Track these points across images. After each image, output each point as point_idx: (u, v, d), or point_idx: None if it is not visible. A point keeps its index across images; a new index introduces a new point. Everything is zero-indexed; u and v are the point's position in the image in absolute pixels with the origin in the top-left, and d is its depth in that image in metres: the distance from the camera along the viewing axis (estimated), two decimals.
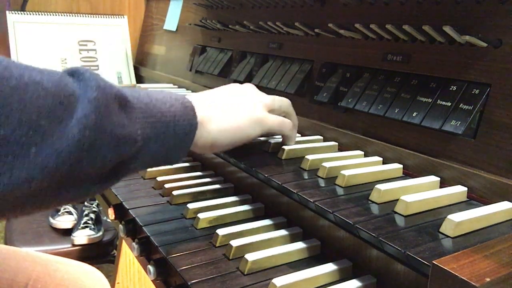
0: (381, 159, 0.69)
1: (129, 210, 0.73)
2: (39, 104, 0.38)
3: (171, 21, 1.56)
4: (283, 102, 0.70)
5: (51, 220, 1.84)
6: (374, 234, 0.46)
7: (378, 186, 0.55)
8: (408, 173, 0.65)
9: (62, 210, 1.86)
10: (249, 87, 0.68)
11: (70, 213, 1.86)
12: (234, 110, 0.61)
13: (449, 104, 0.61)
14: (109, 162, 0.44)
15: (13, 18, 1.61)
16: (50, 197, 0.42)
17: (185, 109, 0.53)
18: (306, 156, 0.67)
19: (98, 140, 0.42)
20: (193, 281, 0.53)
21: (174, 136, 0.51)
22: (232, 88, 0.66)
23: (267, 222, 0.67)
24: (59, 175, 0.40)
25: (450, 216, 0.47)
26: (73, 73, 0.44)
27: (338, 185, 0.60)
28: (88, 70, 0.44)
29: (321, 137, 0.81)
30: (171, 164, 0.55)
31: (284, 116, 0.71)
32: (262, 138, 0.76)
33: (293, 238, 0.64)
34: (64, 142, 0.39)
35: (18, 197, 0.38)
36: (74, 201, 0.45)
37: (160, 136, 0.50)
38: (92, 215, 1.84)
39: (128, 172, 0.49)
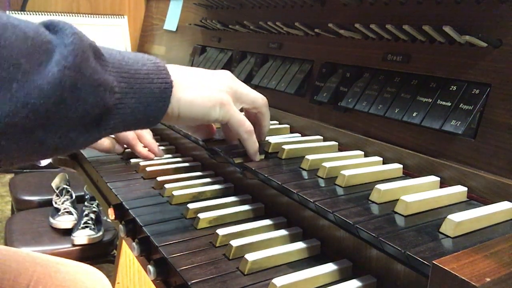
0: (381, 159, 0.69)
1: (129, 210, 0.73)
2: (18, 45, 0.39)
3: (171, 21, 1.56)
4: (258, 99, 0.69)
5: (51, 220, 1.84)
6: (374, 234, 0.46)
7: (378, 186, 0.55)
8: (408, 173, 0.65)
9: (62, 210, 1.86)
10: (229, 75, 0.68)
11: (70, 213, 1.86)
12: (205, 86, 0.62)
13: (449, 104, 0.61)
14: (90, 107, 0.45)
15: None
16: (32, 137, 0.42)
17: (158, 68, 0.54)
18: (306, 156, 0.67)
19: (78, 81, 0.43)
20: (193, 281, 0.53)
21: (150, 93, 0.52)
22: (210, 70, 0.67)
23: (267, 222, 0.67)
24: (42, 112, 0.41)
25: (450, 216, 0.47)
26: (48, 25, 0.45)
27: (338, 185, 0.60)
28: (62, 21, 0.45)
29: (321, 137, 0.81)
30: (152, 124, 0.55)
31: (256, 114, 0.70)
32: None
33: (293, 238, 0.64)
34: (45, 80, 0.40)
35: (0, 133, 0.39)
36: (56, 150, 0.45)
37: (137, 91, 0.50)
38: (92, 215, 1.84)
39: (109, 127, 0.49)
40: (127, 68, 0.50)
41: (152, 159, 0.92)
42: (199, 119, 0.61)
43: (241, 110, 0.68)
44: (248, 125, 0.66)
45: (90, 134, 0.47)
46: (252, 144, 0.68)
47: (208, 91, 0.62)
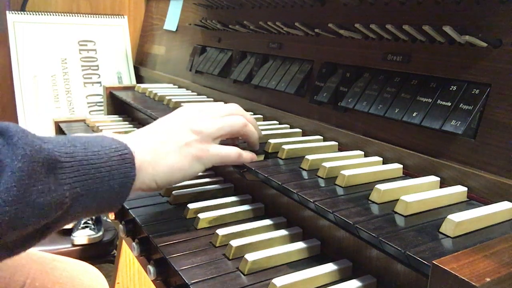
0: (381, 159, 0.69)
1: (129, 210, 0.73)
2: None
3: (171, 21, 1.56)
4: (234, 124, 0.66)
5: None
6: (374, 234, 0.46)
7: (378, 186, 0.55)
8: (408, 173, 0.65)
9: None
10: (189, 115, 0.64)
11: None
12: (173, 151, 0.60)
13: (449, 104, 0.61)
14: (32, 228, 0.46)
15: (13, 18, 1.61)
16: None
17: (123, 161, 0.53)
18: (306, 156, 0.67)
19: (19, 213, 0.43)
20: (193, 281, 0.53)
21: (109, 190, 0.51)
22: (169, 122, 0.64)
23: (267, 222, 0.67)
24: None
25: (450, 216, 0.47)
26: (3, 133, 0.44)
27: (338, 185, 0.60)
28: (19, 131, 0.44)
29: (321, 137, 0.81)
30: (109, 211, 0.55)
31: (243, 135, 0.68)
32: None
33: (293, 238, 0.64)
34: None
35: None
36: (5, 257, 0.47)
37: (92, 192, 0.50)
38: None
39: (55, 230, 0.50)
40: (88, 169, 0.49)
41: None
42: (179, 180, 0.61)
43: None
44: (233, 155, 0.65)
45: (32, 243, 0.48)
46: (247, 160, 0.67)
47: (178, 156, 0.60)
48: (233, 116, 0.66)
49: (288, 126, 0.89)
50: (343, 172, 0.60)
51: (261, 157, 0.71)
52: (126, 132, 0.95)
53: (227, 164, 0.67)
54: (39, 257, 0.90)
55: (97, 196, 0.51)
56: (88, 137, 0.52)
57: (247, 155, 0.68)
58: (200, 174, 0.88)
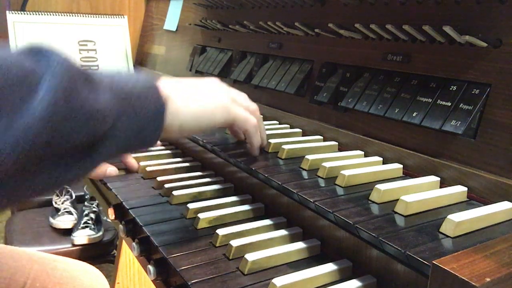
0: (381, 159, 0.69)
1: (129, 210, 0.73)
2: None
3: (171, 21, 1.56)
4: (251, 104, 0.70)
5: (51, 220, 1.84)
6: (374, 234, 0.46)
7: (378, 186, 0.55)
8: (408, 173, 0.65)
9: (62, 210, 1.86)
10: (218, 81, 0.68)
11: (70, 213, 1.86)
12: (202, 94, 0.61)
13: (449, 104, 0.61)
14: (81, 140, 0.42)
15: (13, 18, 1.61)
16: (21, 182, 0.40)
17: (149, 89, 0.52)
18: (306, 156, 0.67)
19: (67, 114, 0.40)
20: (193, 281, 0.53)
21: (143, 115, 0.49)
22: (199, 78, 0.67)
23: (267, 222, 0.67)
24: (32, 154, 0.38)
25: (450, 216, 0.47)
26: (33, 51, 0.42)
27: (338, 185, 0.60)
28: (48, 47, 0.42)
29: (321, 137, 0.81)
30: (148, 146, 0.53)
31: (248, 132, 0.69)
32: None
33: (293, 238, 0.64)
34: (32, 118, 0.37)
35: None
36: (47, 188, 0.43)
37: (129, 114, 0.48)
38: (92, 215, 1.84)
39: (102, 156, 0.46)
40: (118, 91, 0.47)
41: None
42: (203, 127, 0.61)
43: None
44: (253, 120, 0.67)
45: (82, 167, 0.45)
46: (257, 139, 0.69)
47: (206, 97, 0.61)
48: (250, 114, 0.68)
49: (288, 126, 0.89)
50: (343, 172, 0.60)
51: (257, 152, 0.71)
52: None
53: (244, 127, 0.67)
54: (40, 257, 0.90)
55: (134, 121, 0.48)
56: (107, 69, 0.51)
57: (259, 137, 0.70)
58: (200, 174, 0.88)
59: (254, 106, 0.70)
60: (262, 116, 0.96)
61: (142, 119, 0.49)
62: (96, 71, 0.49)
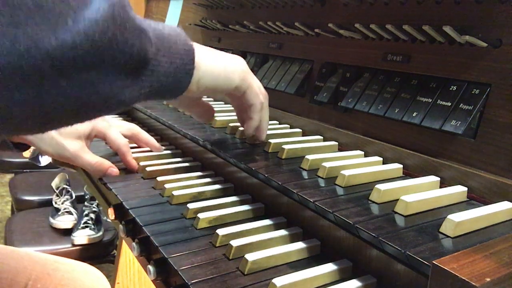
0: (381, 159, 0.69)
1: (129, 210, 0.73)
2: None
3: (171, 21, 1.56)
4: (263, 89, 0.71)
5: (51, 220, 1.84)
6: (374, 234, 0.46)
7: (378, 186, 0.55)
8: (408, 173, 0.65)
9: (62, 210, 1.86)
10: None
11: (70, 213, 1.86)
12: (225, 56, 0.63)
13: (449, 104, 0.61)
14: (135, 52, 0.45)
15: None
16: (89, 79, 0.41)
17: (178, 33, 0.54)
18: (306, 156, 0.67)
19: (126, 21, 0.43)
20: (193, 281, 0.53)
21: (177, 53, 0.52)
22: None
23: (267, 222, 0.67)
24: (100, 47, 0.40)
25: (450, 216, 0.47)
26: None
27: (338, 185, 0.60)
28: None
29: (321, 137, 0.81)
30: (178, 92, 0.55)
31: (251, 111, 0.71)
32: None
33: (293, 238, 0.64)
34: (98, 13, 0.39)
35: (60, 61, 0.38)
36: (105, 102, 0.44)
37: (167, 50, 0.50)
38: (92, 215, 1.84)
39: (147, 82, 0.48)
40: (155, 30, 0.50)
41: (137, 172, 0.91)
42: (219, 87, 0.62)
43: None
44: (263, 97, 0.68)
45: (133, 86, 0.47)
46: (264, 116, 0.70)
47: (227, 59, 0.63)
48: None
49: (288, 126, 0.89)
50: (343, 172, 0.60)
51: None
52: None
53: (248, 104, 0.68)
54: (41, 258, 0.90)
55: (171, 57, 0.51)
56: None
57: (266, 124, 0.72)
58: (200, 174, 0.88)
59: (265, 93, 0.71)
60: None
61: (177, 58, 0.52)
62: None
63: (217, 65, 0.60)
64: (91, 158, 0.83)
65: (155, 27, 0.50)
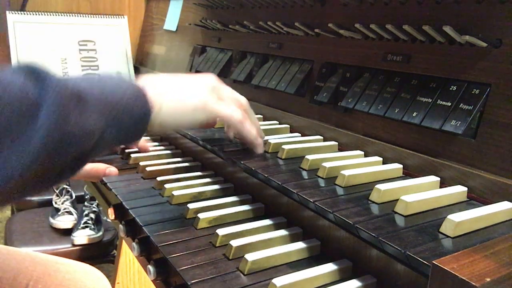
0: (381, 159, 0.69)
1: (129, 210, 0.73)
2: (1, 120, 0.41)
3: (171, 21, 1.56)
4: (241, 97, 0.71)
5: (51, 220, 1.84)
6: (374, 234, 0.46)
7: (378, 186, 0.55)
8: (408, 173, 0.65)
9: (62, 210, 1.86)
10: (211, 78, 0.70)
11: (70, 213, 1.86)
12: (183, 94, 0.64)
13: (449, 104, 0.61)
14: (71, 157, 0.48)
15: (13, 18, 1.61)
16: (22, 195, 0.47)
17: (138, 94, 0.56)
18: (306, 156, 0.67)
19: (60, 140, 0.45)
20: (193, 281, 0.53)
21: (130, 121, 0.54)
22: (188, 75, 0.69)
23: (267, 222, 0.67)
24: (31, 176, 0.44)
25: (450, 216, 0.47)
26: (31, 72, 0.46)
27: (338, 185, 0.60)
28: (43, 70, 0.46)
29: (321, 137, 0.81)
30: (131, 144, 0.59)
31: (238, 130, 0.71)
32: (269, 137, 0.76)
33: (293, 238, 0.64)
34: (32, 145, 0.43)
35: None
36: (38, 194, 0.51)
37: (117, 123, 0.53)
38: (92, 215, 1.84)
39: (89, 160, 0.53)
40: (108, 103, 0.52)
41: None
42: (184, 125, 0.65)
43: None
44: (237, 116, 0.68)
45: (70, 173, 0.51)
46: (248, 131, 0.69)
47: (188, 95, 0.64)
48: (234, 109, 0.68)
49: (288, 126, 0.89)
50: (343, 172, 0.60)
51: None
52: None
53: (229, 123, 0.69)
54: (42, 259, 0.90)
55: (121, 127, 0.53)
56: (100, 76, 0.55)
57: (251, 128, 0.70)
58: (200, 174, 0.88)
59: (242, 99, 0.72)
60: (261, 115, 0.97)
61: (128, 127, 0.55)
62: (89, 78, 0.54)
63: (177, 107, 0.62)
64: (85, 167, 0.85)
65: (108, 103, 0.52)
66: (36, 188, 0.48)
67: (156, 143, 1.07)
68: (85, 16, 1.74)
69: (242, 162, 0.69)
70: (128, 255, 1.53)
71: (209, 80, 0.69)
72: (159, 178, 0.84)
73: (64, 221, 1.83)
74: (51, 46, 1.66)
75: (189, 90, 0.65)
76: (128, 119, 0.54)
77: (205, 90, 0.66)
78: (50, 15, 1.68)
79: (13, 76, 0.44)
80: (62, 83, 0.46)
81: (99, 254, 1.82)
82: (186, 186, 0.81)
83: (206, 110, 0.65)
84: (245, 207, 0.72)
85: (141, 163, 0.92)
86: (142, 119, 0.56)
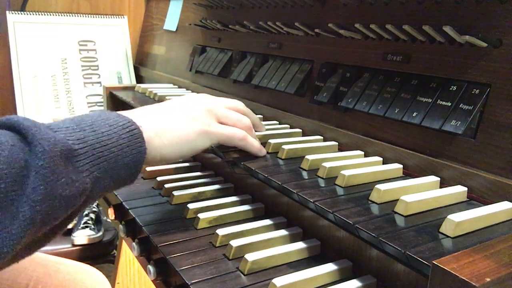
0: (381, 159, 0.69)
1: (129, 210, 0.73)
2: None
3: (171, 21, 1.56)
4: (241, 120, 0.69)
5: None
6: (374, 234, 0.46)
7: (378, 186, 0.55)
8: (408, 173, 0.65)
9: None
10: (202, 97, 0.69)
11: None
12: (180, 124, 0.62)
13: (449, 104, 0.61)
14: (62, 218, 0.47)
15: (13, 18, 1.61)
16: (10, 263, 0.46)
17: (133, 137, 0.53)
18: (306, 156, 0.67)
19: (49, 209, 0.43)
20: (193, 281, 0.53)
21: (124, 167, 0.52)
22: (180, 100, 0.67)
23: (267, 222, 0.67)
24: (16, 250, 0.42)
25: (450, 216, 0.47)
26: (18, 130, 0.44)
27: (338, 185, 0.60)
28: (31, 126, 0.44)
29: (321, 137, 0.81)
30: (126, 185, 0.56)
31: (242, 147, 0.70)
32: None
33: (293, 238, 0.64)
34: (16, 223, 0.41)
35: None
36: (34, 252, 0.50)
37: (109, 173, 0.51)
38: (92, 215, 1.84)
39: (80, 212, 0.51)
40: (101, 153, 0.50)
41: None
42: (186, 154, 0.63)
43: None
44: (238, 135, 0.67)
45: (62, 228, 0.50)
46: (251, 146, 0.69)
47: (186, 128, 0.62)
48: (234, 128, 0.67)
49: (288, 126, 0.89)
50: (343, 172, 0.60)
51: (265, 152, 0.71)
52: None
53: (235, 145, 0.68)
54: (43, 259, 0.90)
55: (114, 175, 0.52)
56: (92, 117, 0.52)
57: (254, 143, 0.69)
58: (200, 174, 0.88)
59: (239, 105, 0.71)
60: (261, 115, 0.97)
61: (121, 172, 0.53)
62: (82, 121, 0.51)
63: (176, 142, 0.60)
64: None
65: (101, 152, 0.50)
66: (29, 251, 0.48)
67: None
68: (85, 16, 1.74)
69: (242, 162, 0.69)
70: (128, 255, 1.53)
71: (203, 103, 0.67)
72: (159, 178, 0.84)
73: None
74: (51, 46, 1.66)
75: (187, 118, 0.63)
76: (122, 164, 0.52)
77: (203, 115, 0.65)
78: (50, 15, 1.68)
79: (2, 145, 0.41)
80: (51, 142, 0.44)
81: (99, 254, 1.82)
82: (186, 186, 0.81)
83: (206, 137, 0.63)
84: (245, 207, 0.72)
85: None
86: (136, 162, 0.54)
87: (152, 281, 0.64)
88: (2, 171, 0.40)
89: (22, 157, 0.42)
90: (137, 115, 0.57)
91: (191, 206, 0.71)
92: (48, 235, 0.48)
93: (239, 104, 0.72)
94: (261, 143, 0.72)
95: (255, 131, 0.74)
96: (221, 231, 0.63)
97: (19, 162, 0.41)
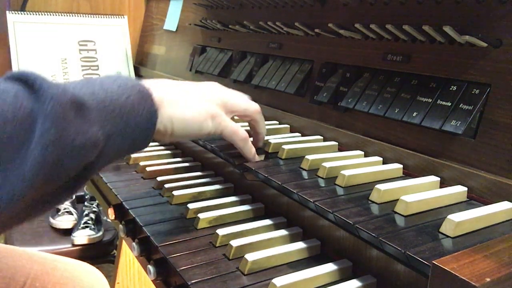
0: (381, 159, 0.69)
1: (129, 210, 0.73)
2: None
3: (171, 21, 1.56)
4: (250, 108, 0.69)
5: (51, 220, 1.84)
6: (374, 234, 0.46)
7: (378, 186, 0.55)
8: (408, 173, 0.65)
9: (62, 210, 1.86)
10: (217, 86, 0.68)
11: (70, 213, 1.86)
12: (193, 100, 0.62)
13: (449, 104, 0.61)
14: (74, 171, 0.45)
15: (13, 18, 1.61)
16: (23, 217, 0.44)
17: (143, 98, 0.53)
18: (306, 156, 0.67)
19: (60, 155, 0.42)
20: (193, 281, 0.53)
21: (136, 126, 0.51)
22: (196, 83, 0.67)
23: (267, 222, 0.67)
24: (27, 199, 0.41)
25: (450, 216, 0.47)
26: (25, 80, 0.43)
27: (338, 185, 0.60)
28: (38, 77, 0.43)
29: (321, 137, 0.81)
30: (139, 150, 0.55)
31: (250, 121, 0.70)
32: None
33: (293, 238, 0.64)
34: (28, 165, 0.40)
35: None
36: (46, 211, 0.48)
37: (122, 130, 0.50)
38: (92, 215, 1.84)
39: (94, 172, 0.50)
40: (111, 109, 0.49)
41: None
42: (192, 134, 0.62)
43: (233, 118, 0.68)
44: (241, 134, 0.67)
45: (75, 187, 0.48)
46: (248, 150, 0.68)
47: (198, 105, 0.62)
48: (239, 127, 0.67)
49: (288, 126, 0.89)
50: (343, 172, 0.60)
51: (262, 157, 0.71)
52: None
53: (231, 140, 0.67)
54: (40, 257, 0.90)
55: (126, 135, 0.51)
56: (101, 78, 0.52)
57: (251, 147, 0.69)
58: (200, 174, 0.88)
59: (251, 109, 0.69)
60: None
61: (134, 132, 0.51)
62: (90, 80, 0.50)
63: (188, 115, 0.60)
64: None
65: (113, 108, 0.49)
66: (43, 207, 0.45)
67: (156, 143, 1.07)
68: (85, 16, 1.74)
69: (242, 162, 0.69)
70: (128, 255, 1.53)
71: (217, 90, 0.67)
72: (159, 178, 0.84)
73: (64, 221, 1.83)
74: (51, 46, 1.66)
75: (199, 99, 0.62)
76: (134, 124, 0.51)
77: (215, 101, 0.64)
78: (50, 15, 1.68)
79: (5, 85, 0.41)
80: (59, 91, 0.43)
81: (99, 254, 1.82)
82: (186, 186, 0.81)
83: (216, 122, 0.63)
84: (245, 207, 0.72)
85: (141, 163, 0.92)
86: (148, 122, 0.53)
87: (152, 281, 0.64)
88: (7, 115, 0.39)
89: (27, 104, 0.41)
90: (149, 83, 0.56)
91: (191, 206, 0.71)
92: (58, 194, 0.46)
93: (255, 112, 0.70)
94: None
95: (254, 141, 0.73)
96: (221, 231, 0.63)
97: (25, 108, 0.40)
